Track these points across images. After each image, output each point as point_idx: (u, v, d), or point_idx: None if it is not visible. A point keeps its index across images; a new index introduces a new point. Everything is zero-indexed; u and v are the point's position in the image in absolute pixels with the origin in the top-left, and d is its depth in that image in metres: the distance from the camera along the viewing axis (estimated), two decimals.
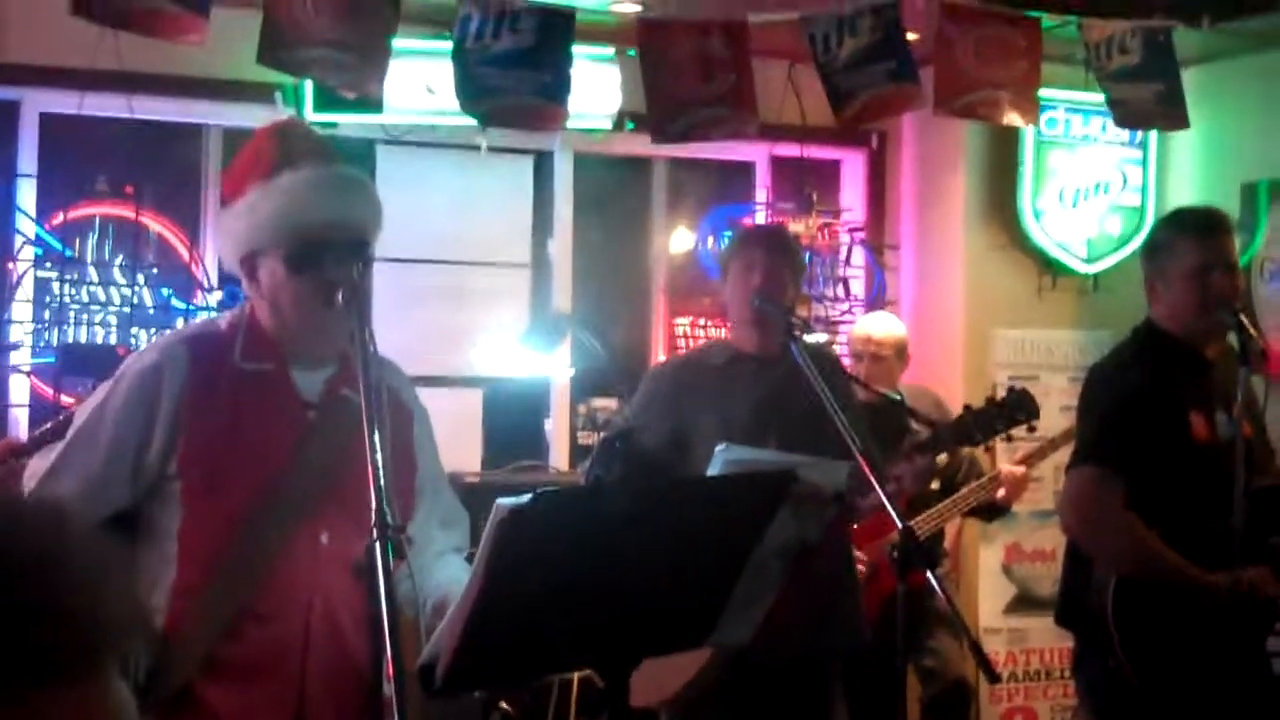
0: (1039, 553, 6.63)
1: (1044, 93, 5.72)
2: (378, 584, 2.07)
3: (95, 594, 0.59)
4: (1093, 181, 6.65)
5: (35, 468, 2.63)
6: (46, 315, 5.62)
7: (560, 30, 5.05)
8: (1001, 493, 5.24)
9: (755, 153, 6.86)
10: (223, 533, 2.49)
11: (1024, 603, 6.61)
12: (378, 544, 2.10)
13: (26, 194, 5.70)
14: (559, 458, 6.34)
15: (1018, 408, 3.62)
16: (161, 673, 2.44)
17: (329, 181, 2.58)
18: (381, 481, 2.17)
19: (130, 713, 0.61)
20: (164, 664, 2.45)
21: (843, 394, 3.63)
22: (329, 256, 2.51)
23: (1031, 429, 3.65)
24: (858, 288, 6.90)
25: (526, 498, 2.11)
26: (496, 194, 6.36)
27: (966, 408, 3.71)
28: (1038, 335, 6.67)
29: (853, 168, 7.11)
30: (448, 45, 4.99)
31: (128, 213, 5.77)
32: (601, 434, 4.26)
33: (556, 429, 6.41)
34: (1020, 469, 5.30)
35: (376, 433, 2.21)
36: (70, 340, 5.58)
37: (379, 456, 2.19)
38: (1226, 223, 3.80)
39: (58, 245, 5.71)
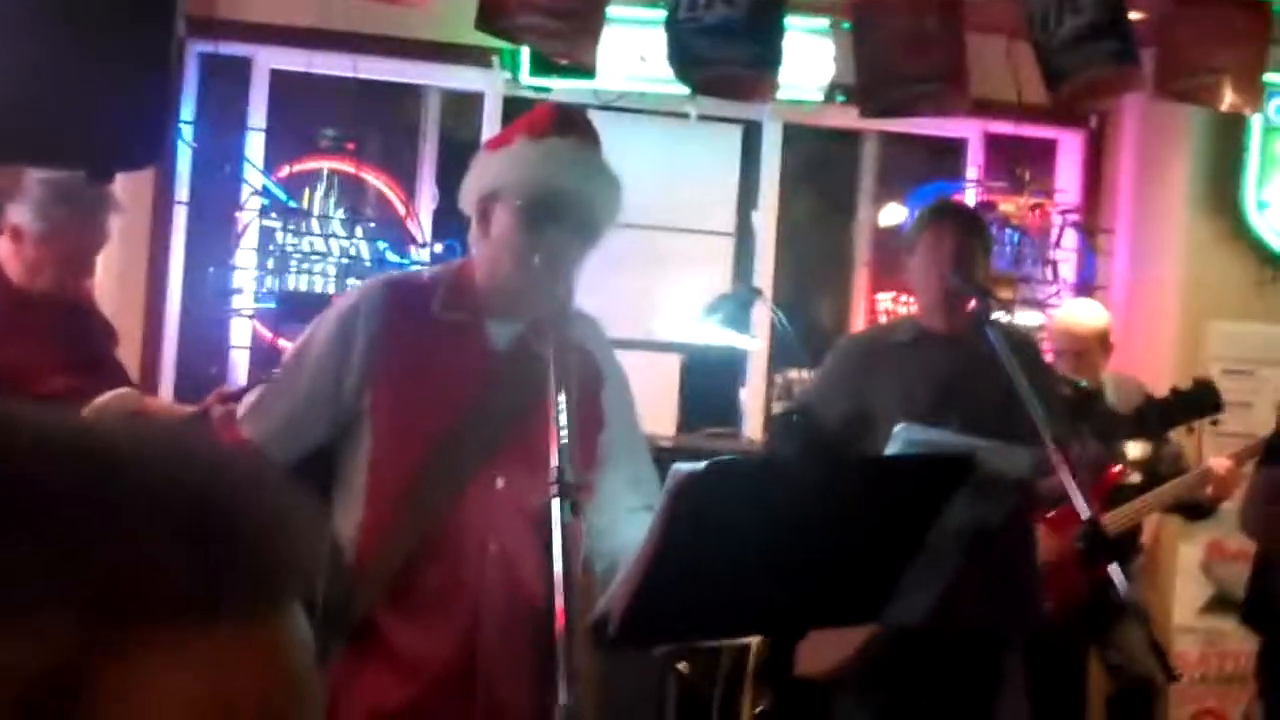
0: (1243, 552, 6.41)
1: (1270, 78, 5.51)
2: (553, 538, 2.14)
3: (286, 534, 0.61)
4: None
5: (247, 399, 2.82)
6: (269, 263, 5.88)
7: (773, 2, 5.06)
8: (1209, 490, 5.08)
9: (968, 129, 6.76)
10: (407, 471, 2.62)
11: (1222, 604, 6.41)
12: (555, 499, 2.17)
13: (255, 147, 5.96)
14: (753, 426, 6.37)
15: (1199, 400, 3.49)
16: (345, 602, 2.58)
17: (585, 159, 2.70)
18: (564, 439, 2.24)
19: (309, 652, 0.62)
20: (347, 594, 2.59)
21: (1040, 380, 3.57)
22: (554, 221, 2.62)
23: (1215, 423, 3.53)
24: (1067, 270, 6.76)
25: (702, 465, 2.17)
26: (704, 162, 6.41)
27: (1148, 398, 3.61)
28: (1255, 330, 6.44)
29: (1069, 148, 6.96)
30: (661, 14, 5.04)
31: (349, 168, 5.99)
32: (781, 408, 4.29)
33: (751, 398, 6.44)
34: (1229, 464, 5.12)
35: (562, 392, 2.30)
36: (290, 288, 5.83)
37: (563, 415, 2.27)
38: None
39: (283, 196, 5.97)
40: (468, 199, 2.75)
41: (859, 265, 6.88)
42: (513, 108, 5.72)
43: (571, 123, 2.74)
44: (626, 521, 2.73)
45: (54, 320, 3.73)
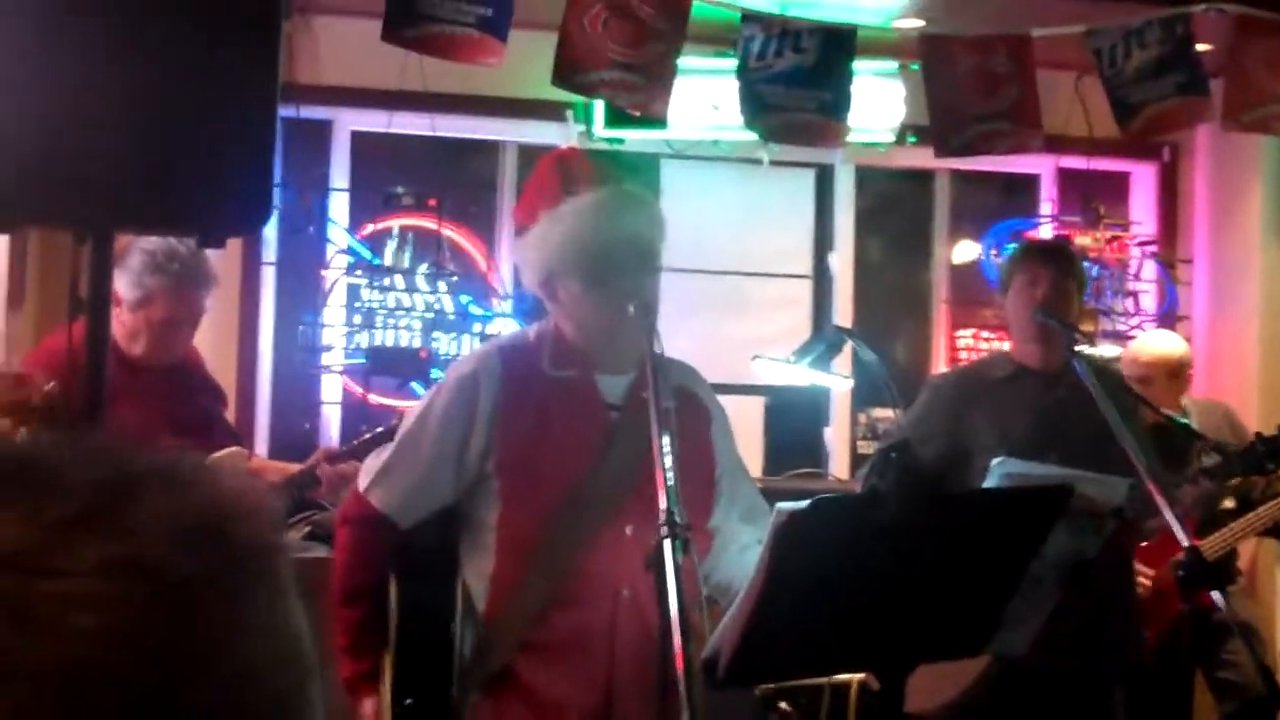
0: None
1: None
2: (666, 580, 2.19)
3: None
4: None
5: (369, 466, 2.88)
6: (356, 319, 5.98)
7: (841, 48, 5.11)
8: None
9: (1040, 165, 6.77)
10: (536, 525, 2.69)
11: None
12: (666, 541, 2.22)
13: (338, 206, 6.09)
14: (838, 466, 6.39)
15: None
16: (483, 653, 2.69)
17: (609, 203, 2.78)
18: (670, 481, 2.30)
19: None
20: (485, 645, 2.69)
21: (1128, 412, 3.59)
22: (619, 271, 2.70)
23: None
24: (1148, 302, 6.74)
25: (805, 503, 2.20)
26: (778, 206, 6.46)
27: (1258, 435, 3.62)
28: None
29: (1143, 180, 6.95)
30: (731, 64, 5.11)
31: (430, 223, 6.09)
32: (878, 444, 4.30)
33: (836, 437, 6.46)
34: None
35: (665, 435, 2.37)
36: (377, 343, 5.93)
37: (667, 458, 2.34)
38: None
39: (367, 254, 6.08)
40: (530, 285, 2.85)
41: (937, 303, 6.89)
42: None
43: (576, 175, 2.83)
44: (742, 559, 2.78)
45: (159, 383, 3.81)
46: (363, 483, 2.85)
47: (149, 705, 0.57)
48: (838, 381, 5.09)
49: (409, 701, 2.72)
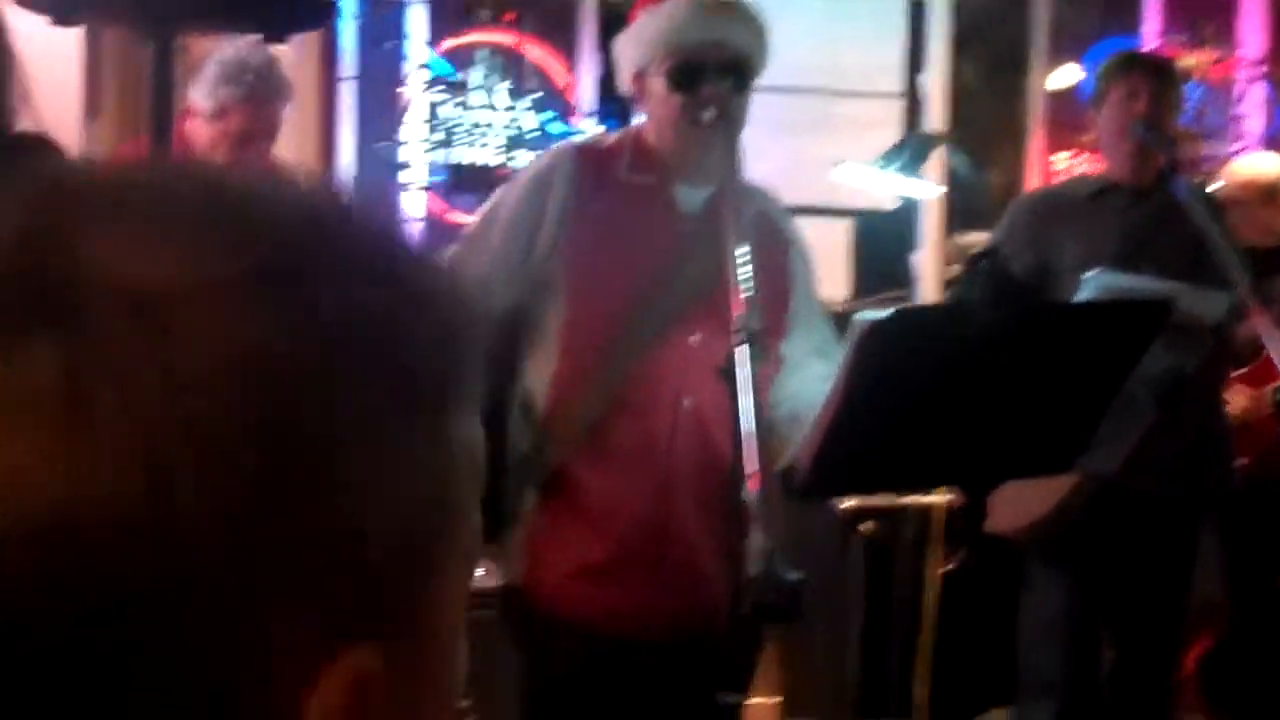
0: None
1: None
2: (738, 386, 2.13)
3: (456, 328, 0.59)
4: None
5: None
6: (436, 137, 5.91)
7: None
8: None
9: None
10: (599, 330, 2.65)
11: None
12: (740, 347, 2.16)
13: (417, 21, 5.98)
14: (927, 289, 6.28)
15: None
16: (540, 453, 2.66)
17: (707, 4, 2.70)
18: (748, 290, 2.25)
19: (478, 452, 0.61)
20: (543, 445, 2.66)
21: (1224, 235, 3.45)
22: (705, 75, 2.62)
23: None
24: (1253, 126, 6.49)
25: (887, 312, 2.13)
26: (868, 22, 6.25)
27: None
28: None
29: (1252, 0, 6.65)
30: None
31: (510, 39, 5.96)
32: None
33: (925, 262, 6.35)
34: None
35: (742, 245, 2.33)
36: (457, 161, 5.87)
37: (742, 267, 2.30)
38: None
39: (446, 70, 5.98)
40: (623, 82, 2.79)
41: (1034, 127, 6.69)
42: None
43: None
44: (813, 389, 2.72)
45: None
46: None
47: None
48: (925, 189, 4.93)
49: None
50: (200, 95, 3.78)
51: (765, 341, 2.22)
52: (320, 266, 0.55)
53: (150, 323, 0.51)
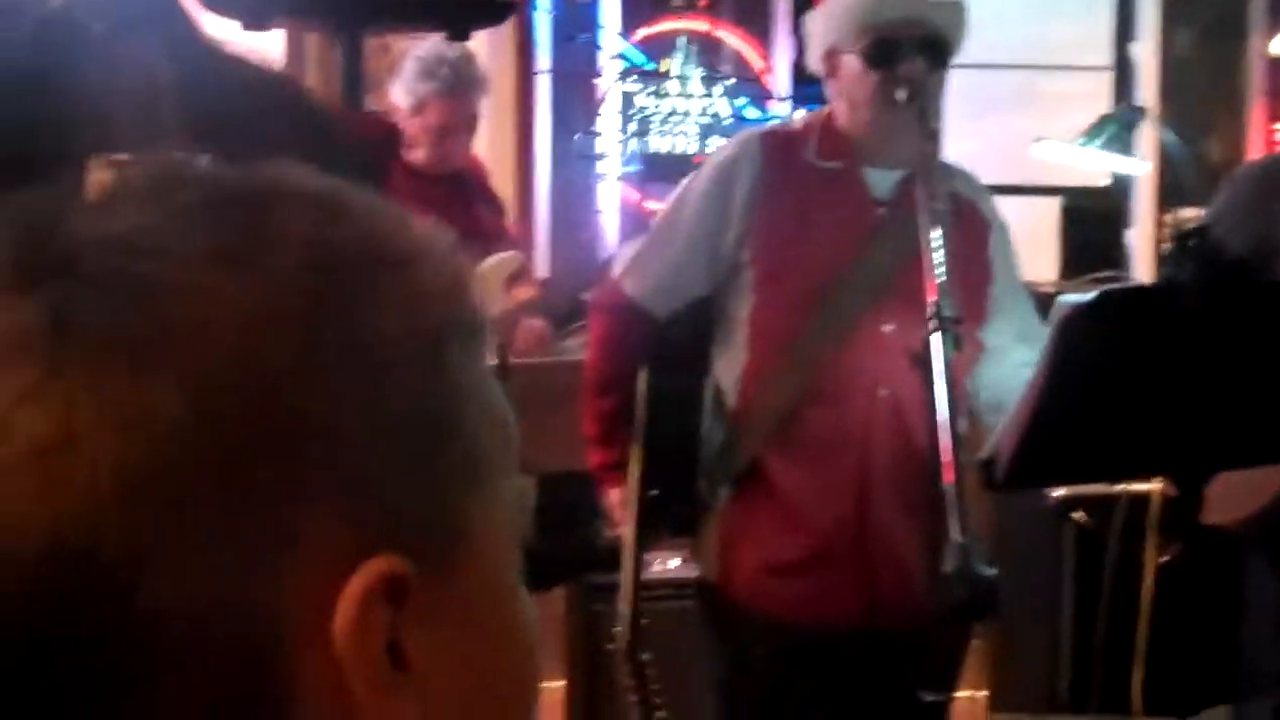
0: None
1: None
2: (934, 374, 2.08)
3: None
4: None
5: (623, 254, 2.84)
6: (631, 127, 5.93)
7: None
8: None
9: None
10: (790, 319, 2.60)
11: None
12: (934, 335, 2.10)
13: (610, 12, 6.00)
14: (1141, 269, 6.08)
15: None
16: (732, 446, 2.63)
17: None
18: (941, 277, 2.20)
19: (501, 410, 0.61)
20: (735, 439, 2.63)
21: None
22: (901, 53, 2.56)
23: None
24: None
25: (1091, 295, 2.06)
26: None
27: None
28: None
29: None
30: None
31: (704, 25, 5.94)
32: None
33: (1139, 240, 6.14)
34: None
35: (937, 229, 2.29)
36: (653, 150, 5.87)
37: (938, 253, 2.25)
38: None
39: (641, 59, 5.99)
40: (814, 59, 2.72)
41: (1253, 97, 6.41)
42: None
43: None
44: (1016, 376, 2.64)
45: (438, 191, 3.88)
46: (617, 269, 2.81)
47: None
48: (1134, 164, 4.75)
49: (654, 493, 2.67)
50: (400, 92, 3.87)
51: (961, 328, 2.15)
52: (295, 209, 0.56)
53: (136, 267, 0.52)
